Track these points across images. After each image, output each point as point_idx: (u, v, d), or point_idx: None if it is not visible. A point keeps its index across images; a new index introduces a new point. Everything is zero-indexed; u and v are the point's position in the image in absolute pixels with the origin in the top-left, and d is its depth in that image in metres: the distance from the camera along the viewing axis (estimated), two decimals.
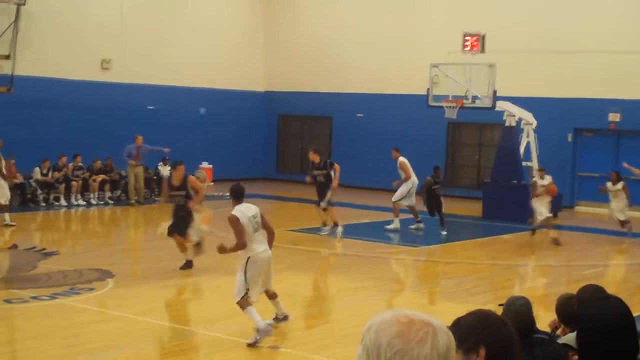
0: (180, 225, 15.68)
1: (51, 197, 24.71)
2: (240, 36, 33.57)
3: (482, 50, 24.29)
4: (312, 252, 18.52)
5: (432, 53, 26.47)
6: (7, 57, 26.12)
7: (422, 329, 2.17)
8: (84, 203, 25.11)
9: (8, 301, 12.91)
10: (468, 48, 24.42)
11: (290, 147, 34.55)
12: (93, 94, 28.20)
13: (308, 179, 20.88)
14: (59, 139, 26.36)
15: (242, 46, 33.58)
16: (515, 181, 24.71)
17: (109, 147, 26.54)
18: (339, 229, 19.93)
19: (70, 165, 25.41)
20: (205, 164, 29.40)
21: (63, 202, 24.74)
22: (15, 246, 17.91)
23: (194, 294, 14.62)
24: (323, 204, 20.18)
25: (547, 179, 20.67)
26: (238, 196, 11.24)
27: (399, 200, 21.74)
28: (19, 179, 24.07)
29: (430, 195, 21.17)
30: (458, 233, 23.19)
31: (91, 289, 13.81)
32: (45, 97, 26.79)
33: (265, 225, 11.18)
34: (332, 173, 20.20)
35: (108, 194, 25.85)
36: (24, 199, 24.05)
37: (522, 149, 25.44)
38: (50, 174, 24.84)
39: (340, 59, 32.07)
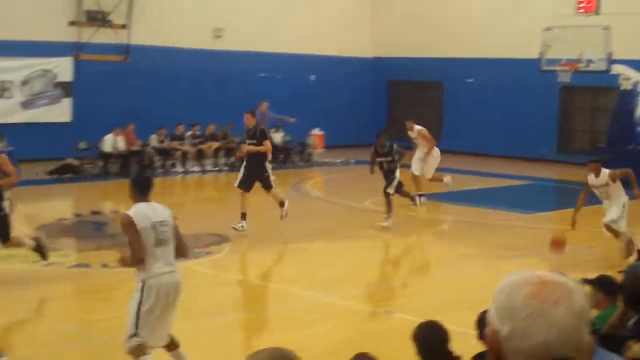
0: None
1: (167, 163, 25.37)
2: (348, 1, 33.59)
3: (597, 12, 23.77)
4: (423, 218, 18.56)
5: (545, 16, 26.02)
6: (123, 26, 26.84)
7: (556, 289, 2.13)
8: (199, 169, 25.69)
9: None
10: (582, 10, 23.94)
11: (400, 113, 34.45)
12: (205, 62, 28.74)
13: (243, 150, 16.78)
14: (174, 106, 26.99)
15: (351, 12, 33.56)
16: (631, 147, 24.12)
17: (222, 114, 26.98)
18: (285, 207, 16.39)
19: (189, 133, 26.01)
20: (316, 131, 29.64)
21: (179, 168, 25.37)
22: None
23: (310, 258, 14.77)
24: (240, 186, 15.99)
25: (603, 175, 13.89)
26: (141, 190, 7.91)
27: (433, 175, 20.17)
28: (137, 146, 24.82)
29: (382, 170, 17.25)
30: (572, 200, 22.80)
31: (208, 253, 14.20)
32: (160, 66, 27.43)
33: (178, 240, 7.86)
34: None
35: (222, 160, 26.33)
36: (141, 166, 24.76)
37: (638, 114, 24.81)
38: (167, 142, 25.51)
39: (450, 22, 31.72)
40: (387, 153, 17.01)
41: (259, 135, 16.09)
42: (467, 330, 6.82)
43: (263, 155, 15.94)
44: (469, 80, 31.43)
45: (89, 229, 16.41)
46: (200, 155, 25.95)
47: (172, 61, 27.83)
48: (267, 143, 16.10)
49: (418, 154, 19.99)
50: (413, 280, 12.48)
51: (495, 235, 17.14)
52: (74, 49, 26.13)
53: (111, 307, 11.10)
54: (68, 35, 26.04)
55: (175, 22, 28.02)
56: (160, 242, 7.62)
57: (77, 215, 17.92)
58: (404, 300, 11.28)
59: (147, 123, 25.32)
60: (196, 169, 25.65)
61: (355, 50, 33.70)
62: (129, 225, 7.59)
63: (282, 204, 16.31)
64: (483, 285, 11.20)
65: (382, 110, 34.67)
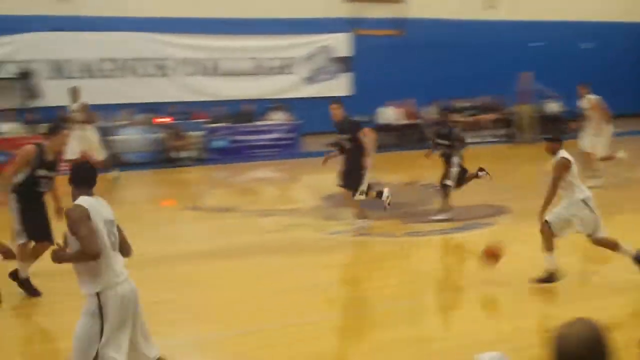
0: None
1: None
2: None
3: None
4: None
5: None
6: (398, 0, 27.31)
7: None
8: (476, 141, 25.72)
9: (413, 234, 13.78)
10: None
11: None
12: (478, 33, 28.67)
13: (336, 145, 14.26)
14: (448, 78, 27.13)
15: None
16: None
17: (494, 85, 26.83)
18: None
19: (464, 105, 26.24)
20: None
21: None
22: (412, 183, 18.91)
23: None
24: (359, 195, 13.85)
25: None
26: (81, 182, 6.42)
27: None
28: (417, 119, 25.37)
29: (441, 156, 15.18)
30: None
31: (487, 224, 14.28)
32: (434, 38, 27.68)
33: (122, 242, 6.51)
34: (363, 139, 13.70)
35: (498, 131, 26.27)
36: (420, 138, 25.16)
37: None
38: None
39: None
40: (446, 135, 15.00)
41: (354, 129, 13.84)
42: None
43: (362, 151, 13.64)
44: None
45: (368, 200, 16.94)
46: (476, 127, 26.01)
47: (446, 33, 28.02)
48: (369, 134, 13.96)
49: (589, 128, 18.23)
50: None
51: None
52: (351, 25, 26.92)
53: (388, 275, 11.61)
54: (345, 11, 26.88)
55: None
56: (113, 245, 6.32)
57: None
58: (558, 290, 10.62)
59: (423, 95, 25.68)
60: (473, 140, 25.67)
61: (630, 15, 32.05)
62: (83, 217, 6.15)
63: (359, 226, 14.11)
64: None
65: None
